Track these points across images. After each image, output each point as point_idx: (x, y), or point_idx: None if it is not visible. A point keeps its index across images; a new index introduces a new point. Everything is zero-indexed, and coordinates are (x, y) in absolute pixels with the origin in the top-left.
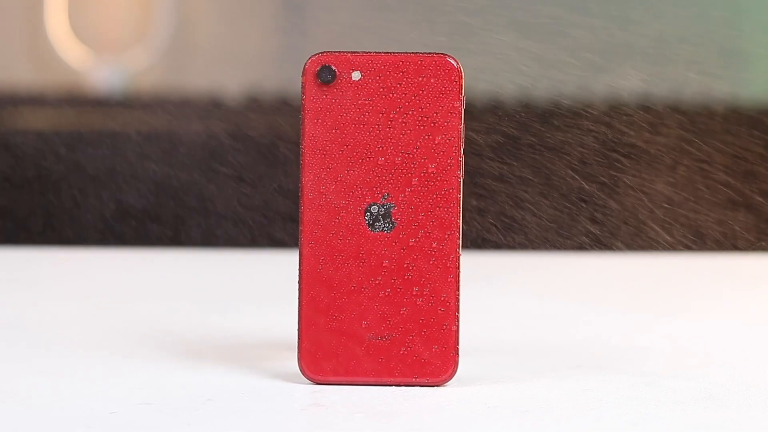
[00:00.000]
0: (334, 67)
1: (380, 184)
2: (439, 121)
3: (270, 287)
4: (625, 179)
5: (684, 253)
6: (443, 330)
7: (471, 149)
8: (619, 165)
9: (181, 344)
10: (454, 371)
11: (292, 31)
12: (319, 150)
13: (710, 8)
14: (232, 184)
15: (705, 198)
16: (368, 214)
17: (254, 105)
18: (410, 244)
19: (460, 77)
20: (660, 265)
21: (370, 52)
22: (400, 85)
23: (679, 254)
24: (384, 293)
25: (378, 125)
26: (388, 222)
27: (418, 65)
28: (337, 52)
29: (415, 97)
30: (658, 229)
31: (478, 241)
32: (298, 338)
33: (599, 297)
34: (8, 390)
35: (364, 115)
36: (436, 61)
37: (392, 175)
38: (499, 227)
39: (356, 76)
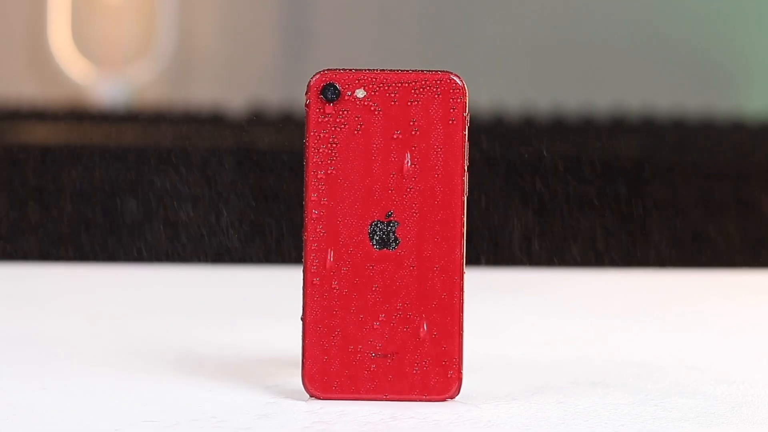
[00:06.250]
0: (338, 85)
1: (384, 201)
2: (443, 138)
3: (274, 303)
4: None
5: (687, 269)
6: (447, 346)
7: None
8: None
9: (185, 361)
10: (458, 388)
11: (296, 46)
12: (323, 167)
13: None
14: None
15: None
16: (372, 231)
17: (257, 120)
18: (414, 261)
19: (464, 95)
20: (664, 280)
21: (375, 70)
22: (404, 102)
23: (683, 270)
24: (388, 310)
25: (382, 143)
26: (392, 239)
27: (422, 83)
28: (341, 69)
29: (419, 114)
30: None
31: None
32: (302, 355)
33: (603, 313)
34: (11, 406)
35: (368, 133)
36: (440, 79)
37: (396, 192)
38: None
39: (360, 93)
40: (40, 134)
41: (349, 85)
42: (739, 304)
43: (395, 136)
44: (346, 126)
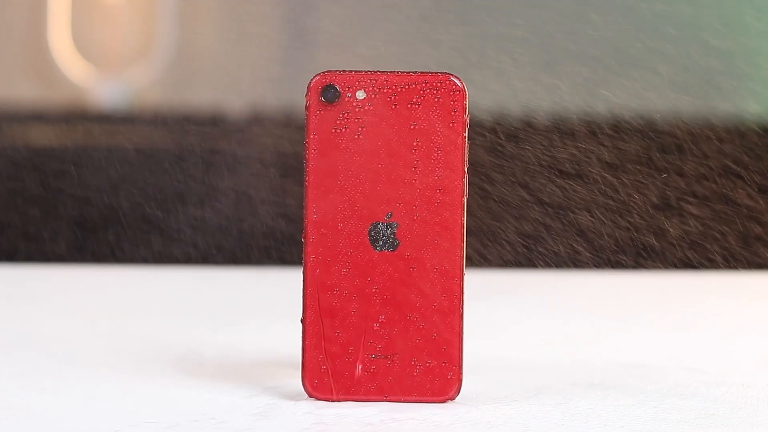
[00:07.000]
0: (338, 86)
1: (384, 203)
2: (443, 140)
3: (274, 305)
4: None
5: (688, 271)
6: (447, 348)
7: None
8: None
9: (185, 361)
10: (458, 389)
11: (296, 47)
12: (323, 169)
13: None
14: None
15: None
16: (372, 233)
17: (257, 121)
18: (414, 263)
19: (464, 96)
20: (664, 282)
21: (375, 71)
22: (404, 104)
23: (683, 272)
24: (388, 311)
25: (382, 144)
26: (392, 241)
27: (422, 84)
28: (341, 71)
29: (419, 116)
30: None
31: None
32: (302, 356)
33: (603, 314)
34: (11, 407)
35: (368, 134)
36: (440, 81)
37: (396, 194)
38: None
39: (360, 95)
40: (39, 136)
41: (349, 86)
42: (739, 304)
43: (395, 138)
44: (347, 128)
